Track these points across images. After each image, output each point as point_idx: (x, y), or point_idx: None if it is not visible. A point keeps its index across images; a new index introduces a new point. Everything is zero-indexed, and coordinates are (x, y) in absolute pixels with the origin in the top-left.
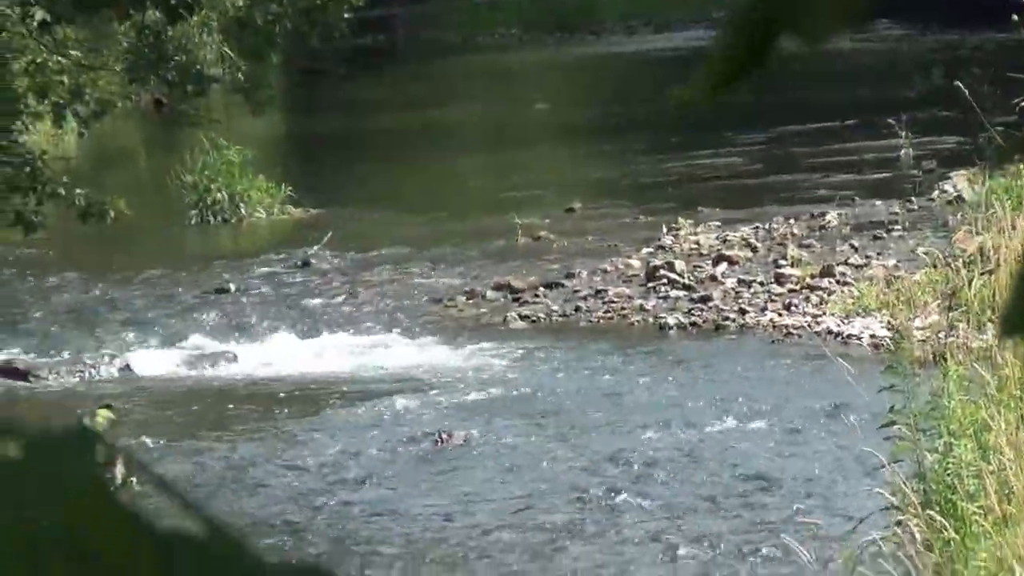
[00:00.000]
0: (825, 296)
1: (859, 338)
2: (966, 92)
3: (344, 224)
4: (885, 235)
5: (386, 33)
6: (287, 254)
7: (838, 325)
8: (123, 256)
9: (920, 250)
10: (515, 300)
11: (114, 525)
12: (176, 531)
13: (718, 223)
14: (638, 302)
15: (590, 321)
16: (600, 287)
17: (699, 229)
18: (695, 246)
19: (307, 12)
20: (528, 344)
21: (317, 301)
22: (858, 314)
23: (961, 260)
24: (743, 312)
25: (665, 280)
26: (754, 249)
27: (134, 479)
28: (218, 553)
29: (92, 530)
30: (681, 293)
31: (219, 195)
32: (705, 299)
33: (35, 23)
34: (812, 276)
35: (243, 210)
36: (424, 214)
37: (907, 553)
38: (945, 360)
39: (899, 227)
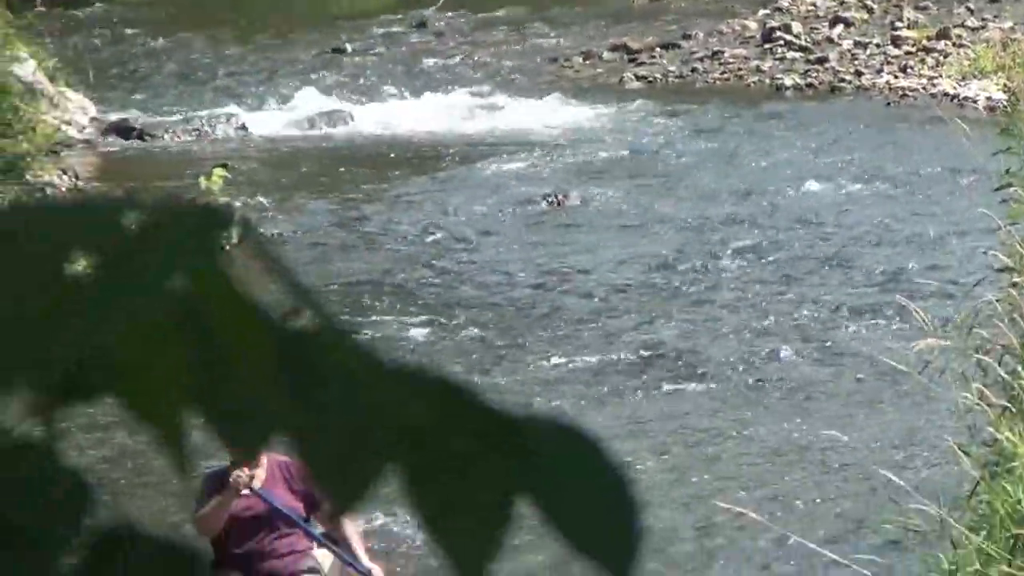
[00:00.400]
0: (941, 58)
1: (975, 101)
2: None
3: None
4: None
5: None
6: (403, 14)
7: (954, 87)
8: (239, 16)
9: None
10: (631, 61)
11: (229, 286)
12: (290, 292)
13: None
14: (754, 63)
15: (706, 82)
16: (717, 48)
17: None
18: (811, 8)
19: None
20: (644, 105)
21: (433, 61)
22: (974, 76)
23: None
24: (859, 74)
25: (781, 41)
26: (870, 11)
27: (249, 238)
28: (331, 313)
29: (208, 293)
30: (797, 54)
31: None
32: (821, 60)
33: None
34: (928, 38)
35: None
36: None
37: (1023, 314)
38: None
39: None
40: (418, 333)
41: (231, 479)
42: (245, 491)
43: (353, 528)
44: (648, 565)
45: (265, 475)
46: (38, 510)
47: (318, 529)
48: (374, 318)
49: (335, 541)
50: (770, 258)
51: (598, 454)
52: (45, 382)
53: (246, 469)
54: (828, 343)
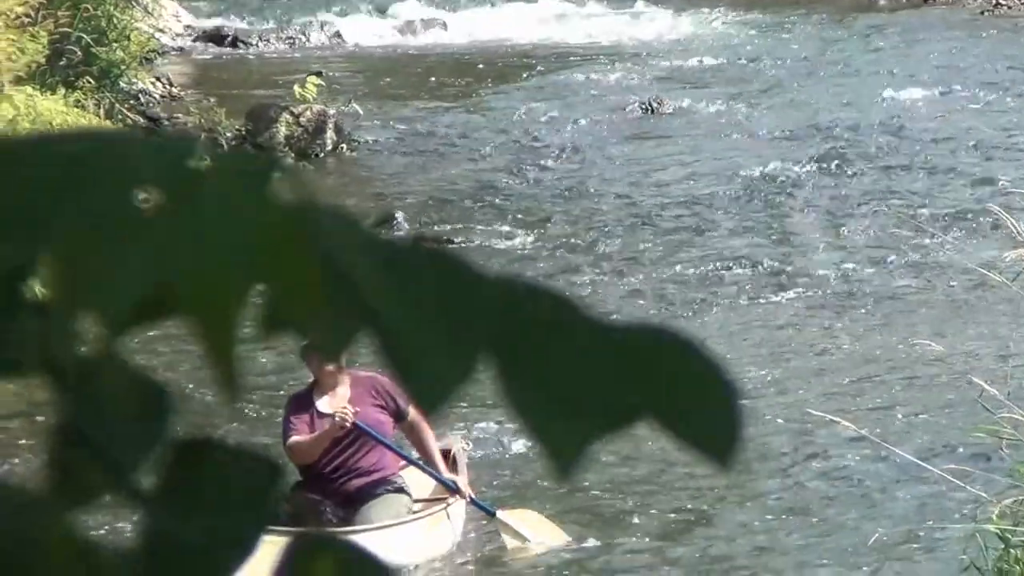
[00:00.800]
0: None
1: None
2: None
3: None
4: None
5: None
6: None
7: None
8: None
9: None
10: None
11: (325, 185)
12: (390, 194)
13: None
14: None
15: None
16: None
17: None
18: None
19: None
20: (736, 13)
21: None
22: None
23: None
24: None
25: None
26: None
27: (344, 145)
28: (424, 220)
29: (299, 198)
30: None
31: None
32: None
33: None
34: None
35: None
36: None
37: None
38: None
39: None
40: (515, 241)
41: (337, 417)
42: (341, 420)
43: (433, 440)
44: (740, 472)
45: (350, 394)
46: (118, 424)
47: (408, 450)
48: (468, 225)
49: (419, 455)
50: (863, 168)
51: (697, 359)
52: (125, 292)
53: (348, 407)
54: (920, 252)
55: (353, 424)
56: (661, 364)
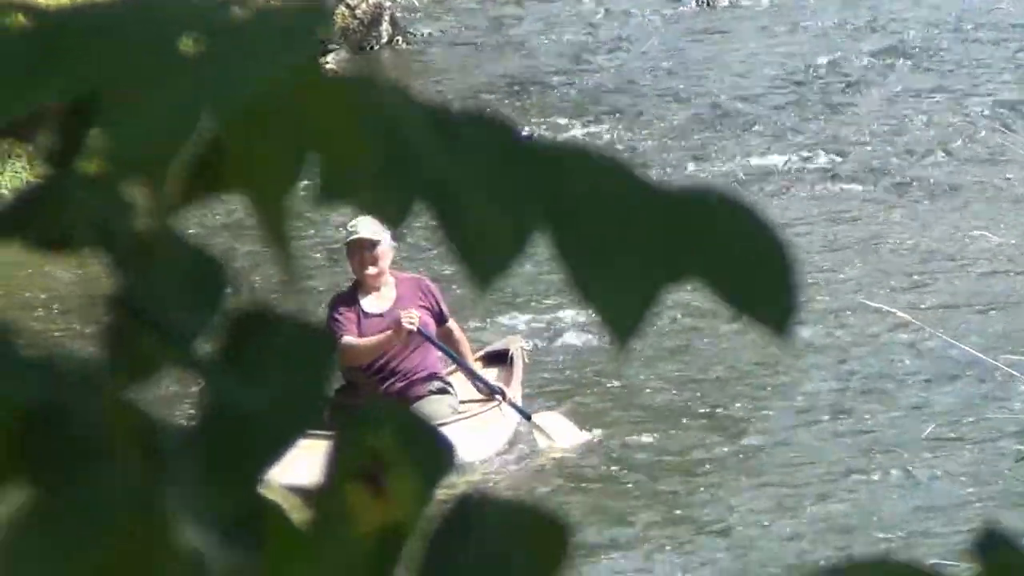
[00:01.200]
0: None
1: None
2: None
3: None
4: None
5: None
6: None
7: None
8: None
9: None
10: None
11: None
12: (445, 87)
13: None
14: None
15: None
16: None
17: None
18: None
19: None
20: None
21: None
22: None
23: None
24: None
25: None
26: None
27: (400, 38)
28: (482, 101)
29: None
30: None
31: None
32: None
33: None
34: None
35: None
36: None
37: None
38: None
39: None
40: (572, 134)
41: (403, 323)
42: (408, 325)
43: (468, 346)
44: (793, 360)
45: (395, 295)
46: (174, 294)
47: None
48: (525, 119)
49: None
50: (923, 61)
51: (751, 220)
52: (172, 136)
53: (412, 311)
54: (979, 145)
55: (418, 329)
56: (715, 226)
